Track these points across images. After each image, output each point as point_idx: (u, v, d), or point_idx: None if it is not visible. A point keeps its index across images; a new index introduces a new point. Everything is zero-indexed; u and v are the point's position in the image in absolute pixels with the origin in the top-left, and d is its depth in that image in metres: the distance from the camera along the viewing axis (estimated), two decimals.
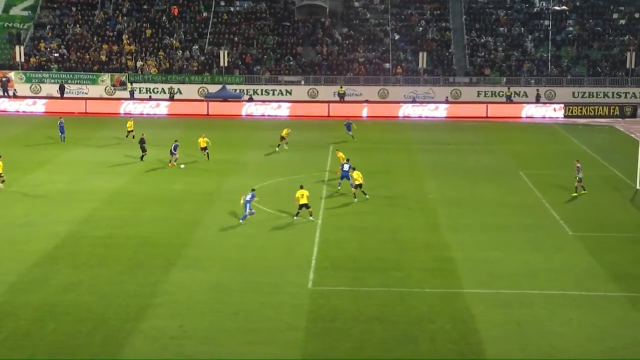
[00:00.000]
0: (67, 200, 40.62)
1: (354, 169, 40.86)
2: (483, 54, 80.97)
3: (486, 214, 38.82)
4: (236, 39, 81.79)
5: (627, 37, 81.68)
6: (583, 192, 41.16)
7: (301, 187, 37.29)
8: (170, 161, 47.60)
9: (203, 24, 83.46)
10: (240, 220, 36.64)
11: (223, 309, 27.13)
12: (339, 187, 41.53)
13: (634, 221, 37.79)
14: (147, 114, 68.50)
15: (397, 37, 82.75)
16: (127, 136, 55.35)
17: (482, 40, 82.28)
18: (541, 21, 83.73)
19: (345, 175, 41.22)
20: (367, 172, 42.04)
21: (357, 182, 40.14)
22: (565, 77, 78.05)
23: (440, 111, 70.00)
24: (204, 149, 48.63)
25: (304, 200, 36.60)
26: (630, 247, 33.97)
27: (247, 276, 30.21)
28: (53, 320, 26.17)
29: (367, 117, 68.74)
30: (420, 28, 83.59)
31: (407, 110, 70.03)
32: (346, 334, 25.44)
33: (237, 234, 35.39)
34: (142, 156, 49.14)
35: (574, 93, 75.75)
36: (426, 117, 69.20)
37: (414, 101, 72.88)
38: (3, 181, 42.04)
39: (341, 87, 75.07)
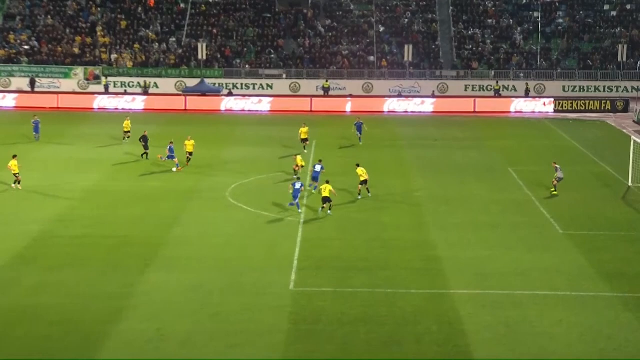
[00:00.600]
0: (39, 199, 40.45)
1: (358, 166, 41.03)
2: (471, 46, 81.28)
3: (474, 212, 38.99)
4: (215, 31, 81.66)
5: (619, 29, 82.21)
6: (554, 191, 41.38)
7: (327, 182, 37.75)
8: (177, 165, 45.98)
9: (180, 15, 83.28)
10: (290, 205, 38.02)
11: (202, 311, 27.11)
12: (314, 191, 41.30)
13: (625, 219, 38.06)
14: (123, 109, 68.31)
15: (382, 29, 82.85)
16: (124, 138, 53.44)
17: (469, 32, 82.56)
18: (530, 13, 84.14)
19: (315, 177, 41.08)
20: (352, 169, 42.06)
21: (362, 179, 40.29)
22: (555, 70, 78.48)
23: (426, 106, 70.21)
24: (190, 154, 46.58)
25: (325, 194, 37.11)
26: (621, 246, 34.22)
27: (227, 277, 30.21)
28: (24, 323, 26.05)
29: (351, 112, 68.81)
30: (406, 20, 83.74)
31: (393, 105, 70.20)
32: (329, 336, 25.49)
33: (217, 233, 35.37)
34: (144, 154, 48.52)
35: (564, 87, 76.19)
36: (412, 112, 69.38)
37: (399, 95, 73.06)
38: (19, 182, 41.63)
39: (326, 81, 75.13)
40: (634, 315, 27.03)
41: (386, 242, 34.40)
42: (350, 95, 72.27)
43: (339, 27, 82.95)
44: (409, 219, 37.93)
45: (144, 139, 48.74)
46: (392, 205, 39.91)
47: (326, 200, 37.51)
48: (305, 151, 50.25)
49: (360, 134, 53.78)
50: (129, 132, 53.51)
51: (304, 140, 51.30)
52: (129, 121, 54.14)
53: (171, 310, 27.13)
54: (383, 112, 69.39)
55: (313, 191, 40.88)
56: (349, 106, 69.75)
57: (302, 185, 38.66)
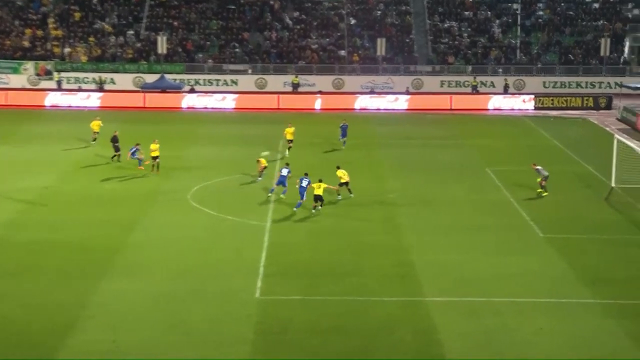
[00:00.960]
0: None
1: (338, 168, 41.43)
2: (447, 40, 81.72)
3: (450, 215, 39.23)
4: (176, 23, 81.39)
5: (601, 22, 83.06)
6: (542, 191, 41.79)
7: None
8: (153, 167, 45.43)
9: (139, 6, 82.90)
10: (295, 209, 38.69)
11: (163, 321, 27.05)
12: (270, 193, 41.27)
13: (608, 221, 38.48)
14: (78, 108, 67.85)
15: (353, 21, 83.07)
16: (94, 139, 52.54)
17: (445, 25, 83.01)
18: (509, 4, 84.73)
19: (282, 181, 41.06)
20: (322, 170, 42.17)
21: (343, 180, 40.65)
22: (535, 65, 79.12)
23: (400, 103, 70.47)
24: (156, 157, 45.45)
25: (319, 192, 38.28)
26: (604, 250, 34.61)
27: (189, 284, 30.16)
28: None
29: (321, 109, 68.89)
30: (379, 12, 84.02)
31: (365, 102, 70.39)
32: (298, 346, 25.55)
33: (179, 238, 35.30)
34: (115, 156, 48.01)
35: (544, 83, 76.87)
36: (385, 109, 69.62)
37: (372, 92, 73.26)
38: None
39: (295, 77, 75.18)
40: (617, 322, 27.36)
41: (358, 247, 34.51)
42: (320, 92, 72.38)
43: (307, 20, 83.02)
44: (383, 222, 38.08)
45: (115, 140, 48.39)
46: (365, 208, 40.05)
47: (318, 198, 38.19)
48: (287, 154, 49.91)
49: (346, 137, 53.13)
50: (97, 132, 52.74)
51: (290, 142, 51.00)
52: (99, 121, 53.38)
53: (129, 321, 27.05)
54: (355, 109, 69.54)
55: (282, 195, 40.84)
56: (318, 103, 69.83)
57: (309, 182, 39.01)
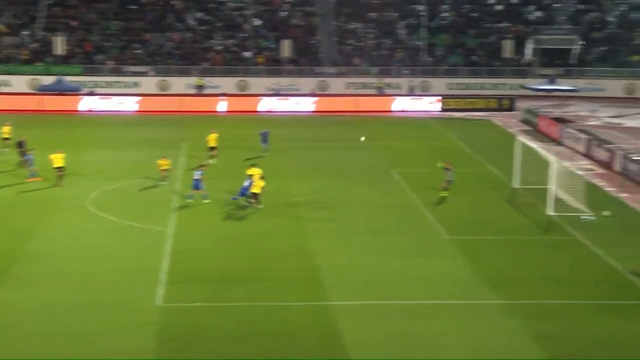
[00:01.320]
0: None
1: (262, 178, 40.88)
2: (352, 41, 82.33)
3: (357, 217, 39.51)
4: (74, 23, 79.98)
5: (504, 23, 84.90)
6: (444, 193, 42.42)
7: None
8: (33, 175, 44.06)
9: (35, 5, 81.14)
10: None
11: (58, 332, 26.50)
12: (190, 200, 40.85)
13: (511, 223, 39.30)
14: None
15: (258, 22, 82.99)
16: (6, 147, 50.55)
17: (351, 26, 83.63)
18: (415, 6, 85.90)
19: (197, 185, 40.82)
20: (226, 173, 42.00)
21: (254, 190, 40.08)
22: (440, 67, 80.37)
23: (306, 105, 70.69)
24: (60, 169, 43.49)
25: (256, 190, 39.19)
26: (507, 251, 35.33)
27: (87, 293, 29.63)
28: None
29: (227, 112, 68.63)
30: (284, 13, 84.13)
31: (270, 104, 70.37)
32: (202, 354, 25.36)
33: (77, 246, 34.67)
34: (21, 162, 46.47)
35: (449, 84, 78.13)
36: (291, 111, 69.72)
37: (277, 94, 73.30)
38: None
39: (199, 78, 74.71)
40: (521, 323, 27.94)
41: (263, 252, 34.45)
42: (224, 94, 72.07)
43: (211, 21, 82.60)
44: (288, 226, 38.12)
45: (20, 145, 47.07)
46: (270, 211, 39.98)
47: (255, 195, 39.14)
48: (212, 162, 48.09)
49: (266, 144, 52.18)
50: (8, 139, 50.96)
51: (212, 149, 49.34)
52: (9, 127, 51.77)
53: (22, 333, 26.40)
54: (260, 111, 69.46)
55: (190, 200, 40.48)
56: (223, 106, 69.53)
57: (250, 183, 39.67)
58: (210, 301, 29.21)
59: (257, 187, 39.45)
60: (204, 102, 70.62)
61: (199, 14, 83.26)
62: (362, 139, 44.60)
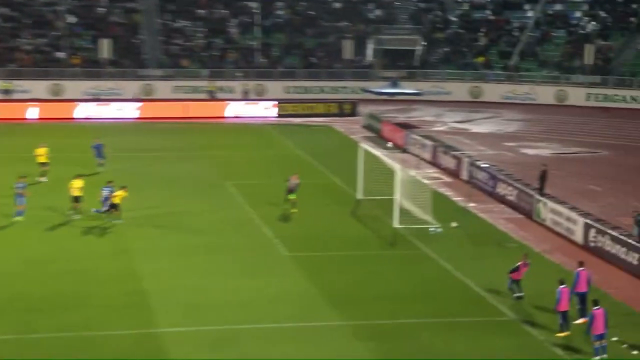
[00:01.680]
0: None
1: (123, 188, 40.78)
2: (180, 41, 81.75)
3: (187, 235, 39.13)
4: None
5: (344, 22, 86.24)
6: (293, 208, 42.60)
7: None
8: None
9: None
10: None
11: None
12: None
13: (355, 236, 39.78)
14: None
15: (72, 19, 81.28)
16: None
17: (178, 24, 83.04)
18: (247, 3, 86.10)
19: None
20: (34, 189, 40.75)
21: (74, 194, 40.30)
22: (276, 69, 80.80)
23: (129, 111, 69.63)
24: None
25: (116, 200, 39.65)
26: (351, 268, 35.70)
27: None
28: None
29: (38, 119, 66.81)
30: (102, 9, 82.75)
31: (88, 110, 68.90)
32: None
33: None
34: None
35: (286, 88, 78.61)
36: (112, 118, 68.49)
37: (97, 99, 71.88)
38: None
39: (5, 82, 72.88)
40: (364, 345, 28.25)
41: (81, 275, 33.67)
42: (35, 100, 70.13)
43: (18, 17, 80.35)
44: (109, 246, 37.44)
45: None
46: (88, 230, 39.19)
47: (114, 206, 39.53)
48: (44, 179, 46.91)
49: (102, 158, 50.62)
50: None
51: (43, 164, 47.46)
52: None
53: None
54: (76, 118, 67.92)
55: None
56: (33, 112, 67.62)
57: (110, 191, 40.12)
58: (19, 333, 28.25)
59: (118, 197, 39.23)
60: (11, 109, 68.39)
61: (3, 9, 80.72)
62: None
